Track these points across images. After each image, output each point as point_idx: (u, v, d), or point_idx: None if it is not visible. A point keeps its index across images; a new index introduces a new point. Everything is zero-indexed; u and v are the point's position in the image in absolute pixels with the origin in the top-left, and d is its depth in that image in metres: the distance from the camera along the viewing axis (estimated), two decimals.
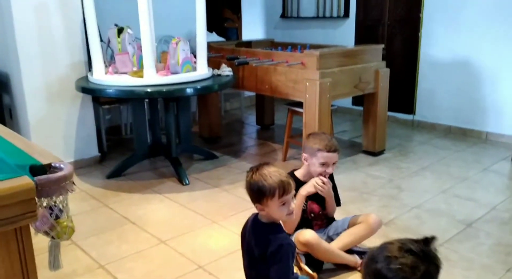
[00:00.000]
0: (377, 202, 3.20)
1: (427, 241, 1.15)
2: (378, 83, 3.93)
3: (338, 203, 2.54)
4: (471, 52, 4.53)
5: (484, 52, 4.44)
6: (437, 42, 4.76)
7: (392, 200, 3.22)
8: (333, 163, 2.34)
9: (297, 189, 2.34)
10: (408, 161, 4.00)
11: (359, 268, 2.36)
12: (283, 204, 1.76)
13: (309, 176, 2.39)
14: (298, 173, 2.43)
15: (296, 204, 2.29)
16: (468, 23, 4.50)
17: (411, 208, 3.10)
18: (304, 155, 2.38)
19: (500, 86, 4.40)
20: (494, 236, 2.72)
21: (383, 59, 4.06)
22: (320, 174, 2.33)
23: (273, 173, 1.76)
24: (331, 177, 2.47)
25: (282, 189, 1.75)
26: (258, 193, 1.76)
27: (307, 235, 2.26)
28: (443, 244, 2.61)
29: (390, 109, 4.36)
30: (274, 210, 1.77)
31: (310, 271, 2.25)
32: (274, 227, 1.85)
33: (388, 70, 4.01)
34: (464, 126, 4.71)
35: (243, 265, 1.95)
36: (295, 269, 2.03)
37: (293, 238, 2.26)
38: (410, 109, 5.08)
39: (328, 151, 2.30)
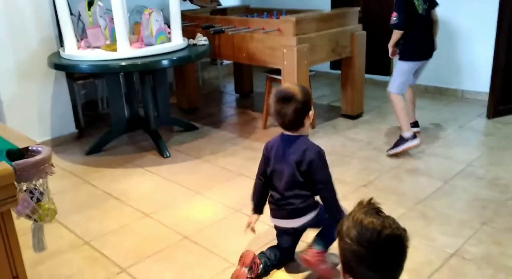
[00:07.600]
0: (357, 164, 3.26)
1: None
2: (355, 46, 3.93)
3: None
4: (446, 12, 4.51)
5: (459, 12, 4.45)
6: None
7: (372, 162, 3.28)
8: None
9: None
10: (386, 122, 4.05)
11: None
12: None
13: None
14: None
15: None
16: None
17: (390, 168, 3.16)
18: None
19: (475, 46, 4.43)
20: (470, 191, 2.81)
21: (359, 22, 4.04)
22: None
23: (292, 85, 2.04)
24: None
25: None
26: (307, 100, 1.95)
27: None
28: (420, 202, 2.69)
29: (367, 71, 4.36)
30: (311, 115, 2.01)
31: None
32: (306, 136, 2.05)
33: (364, 33, 4.00)
34: (441, 85, 4.77)
35: (278, 188, 2.06)
36: None
37: None
38: (387, 71, 5.10)
39: None
